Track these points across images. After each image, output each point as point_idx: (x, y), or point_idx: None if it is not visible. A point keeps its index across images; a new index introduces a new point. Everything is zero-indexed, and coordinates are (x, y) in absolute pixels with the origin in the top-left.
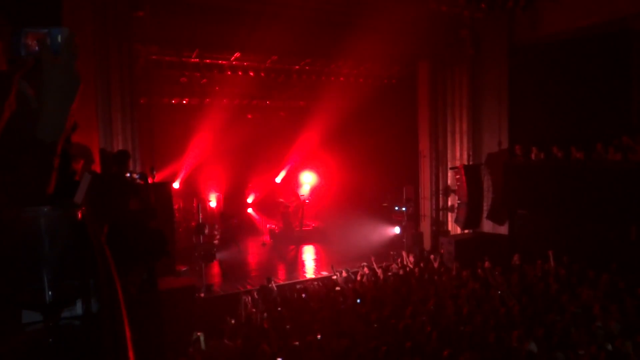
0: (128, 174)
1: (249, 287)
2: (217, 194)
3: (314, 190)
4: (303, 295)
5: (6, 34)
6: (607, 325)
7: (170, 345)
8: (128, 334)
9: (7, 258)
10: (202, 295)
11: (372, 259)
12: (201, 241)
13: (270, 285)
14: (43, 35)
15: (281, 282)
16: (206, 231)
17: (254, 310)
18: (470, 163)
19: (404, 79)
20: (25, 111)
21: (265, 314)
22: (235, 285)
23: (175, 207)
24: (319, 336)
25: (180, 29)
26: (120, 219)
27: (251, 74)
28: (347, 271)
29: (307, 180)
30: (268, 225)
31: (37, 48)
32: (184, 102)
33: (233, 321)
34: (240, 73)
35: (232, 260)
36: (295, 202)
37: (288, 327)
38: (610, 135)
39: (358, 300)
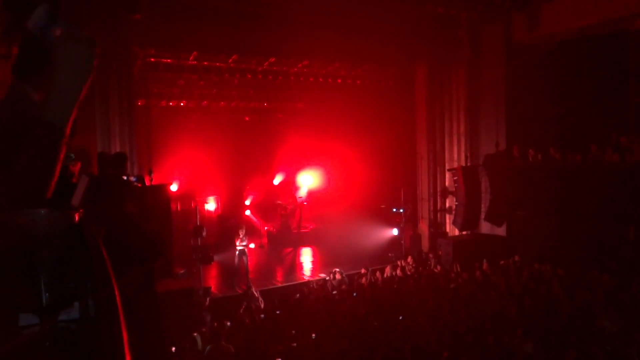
0: (125, 177)
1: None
2: (215, 196)
3: (312, 192)
4: (297, 295)
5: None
6: (606, 326)
7: (167, 348)
8: (125, 336)
9: (4, 260)
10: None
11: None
12: (199, 244)
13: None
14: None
15: (279, 284)
16: (204, 234)
17: (255, 308)
18: (468, 164)
19: (401, 80)
20: (25, 110)
21: (262, 315)
22: (232, 288)
23: (173, 209)
24: (313, 335)
25: (178, 32)
26: (117, 222)
27: (249, 76)
28: (341, 273)
29: (305, 182)
30: (266, 228)
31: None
32: (182, 104)
33: (229, 323)
34: (237, 75)
35: (229, 263)
36: (293, 204)
37: (287, 329)
38: (607, 136)
39: (354, 294)
